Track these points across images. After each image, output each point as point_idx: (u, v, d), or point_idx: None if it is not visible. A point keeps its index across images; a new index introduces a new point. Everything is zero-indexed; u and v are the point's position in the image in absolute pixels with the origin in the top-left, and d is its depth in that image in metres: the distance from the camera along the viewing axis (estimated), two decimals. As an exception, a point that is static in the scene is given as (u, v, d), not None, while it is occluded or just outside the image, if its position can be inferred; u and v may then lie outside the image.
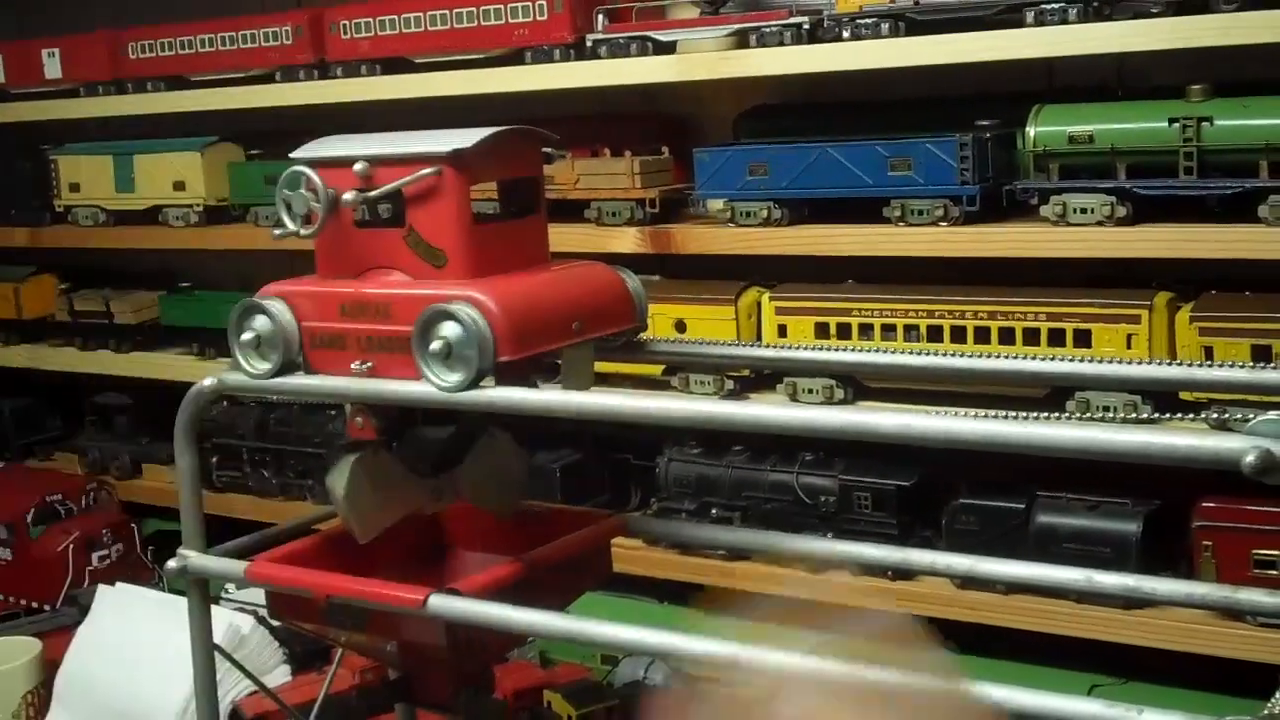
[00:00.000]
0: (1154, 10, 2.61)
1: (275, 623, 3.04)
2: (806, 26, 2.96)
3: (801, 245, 3.04)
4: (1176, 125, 2.63)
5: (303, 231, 1.89)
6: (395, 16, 3.61)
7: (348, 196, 1.85)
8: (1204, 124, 2.61)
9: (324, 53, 3.78)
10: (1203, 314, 2.63)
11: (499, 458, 2.10)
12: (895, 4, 2.85)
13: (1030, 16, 2.69)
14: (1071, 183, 2.73)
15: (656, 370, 3.20)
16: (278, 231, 1.91)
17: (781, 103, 3.36)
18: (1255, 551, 2.58)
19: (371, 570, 2.14)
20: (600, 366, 2.06)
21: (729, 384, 3.13)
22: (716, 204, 3.19)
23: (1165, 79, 2.82)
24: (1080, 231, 2.71)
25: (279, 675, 3.09)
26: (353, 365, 1.87)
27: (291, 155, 1.95)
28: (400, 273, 1.87)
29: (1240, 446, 1.29)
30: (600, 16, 3.25)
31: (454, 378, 1.76)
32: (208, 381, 2.02)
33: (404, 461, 2.02)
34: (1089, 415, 2.47)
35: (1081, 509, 2.82)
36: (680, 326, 3.16)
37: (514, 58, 3.41)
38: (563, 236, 3.39)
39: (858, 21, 2.88)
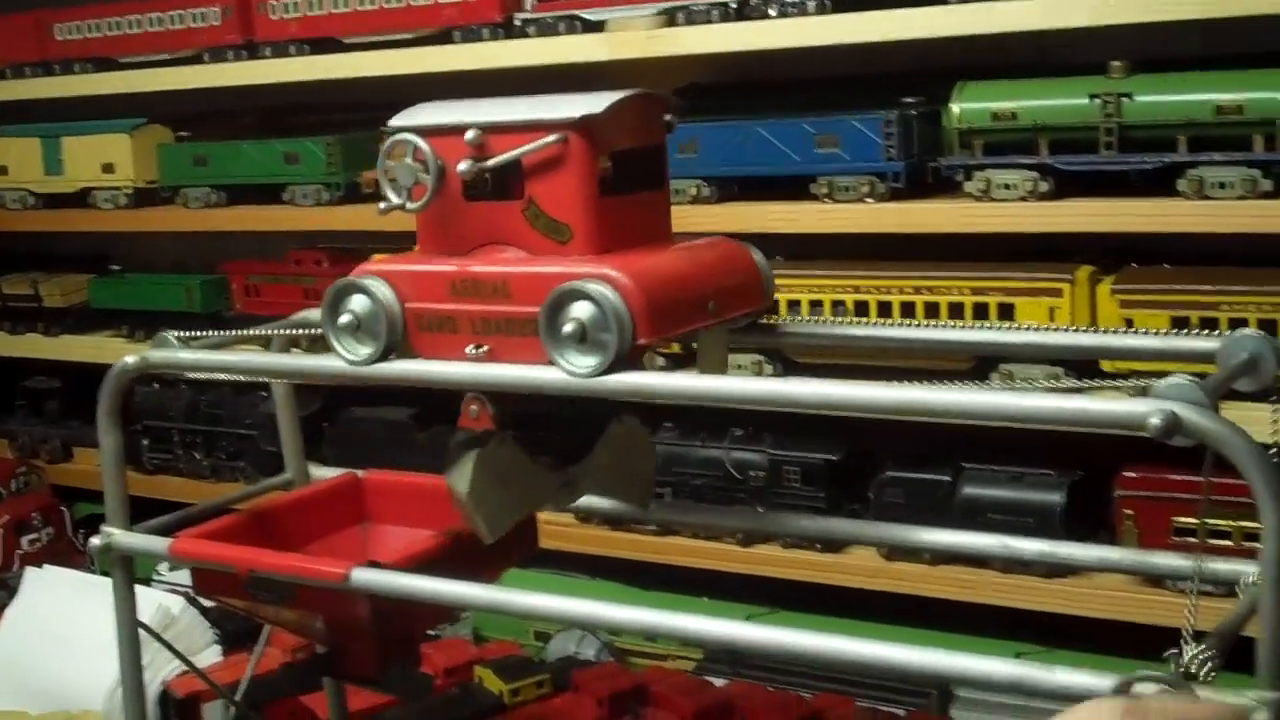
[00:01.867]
0: (1075, -13, 2.64)
1: (207, 603, 3.04)
2: (734, 5, 2.97)
3: (730, 222, 3.05)
4: (1097, 101, 2.66)
5: (409, 205, 1.73)
6: (324, -4, 3.60)
7: (463, 166, 1.69)
8: (1124, 100, 2.64)
9: (252, 33, 3.76)
10: (1123, 286, 2.67)
11: (630, 445, 1.94)
12: (821, -19, 2.87)
13: (952, -8, 2.72)
14: (995, 159, 2.76)
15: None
16: (383, 206, 1.74)
17: (712, 81, 3.37)
18: (1175, 519, 2.62)
19: (297, 546, 2.15)
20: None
21: (660, 360, 3.14)
22: (645, 181, 3.19)
23: (1089, 56, 2.85)
24: (1004, 207, 2.74)
25: (210, 655, 3.08)
26: (467, 349, 1.71)
27: (392, 123, 1.78)
28: (516, 249, 1.72)
29: (1146, 409, 1.31)
30: (529, -5, 3.26)
31: (588, 363, 1.61)
32: (130, 359, 2.00)
33: (528, 453, 1.84)
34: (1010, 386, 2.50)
35: (1006, 480, 2.86)
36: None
37: (443, 37, 3.41)
38: (493, 215, 3.40)
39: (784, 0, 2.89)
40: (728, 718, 2.67)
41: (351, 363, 1.78)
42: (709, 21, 2.99)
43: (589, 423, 1.88)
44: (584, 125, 1.66)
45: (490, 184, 1.73)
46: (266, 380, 2.36)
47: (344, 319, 1.77)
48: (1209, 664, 1.32)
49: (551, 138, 1.66)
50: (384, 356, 1.76)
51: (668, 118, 1.82)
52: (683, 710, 2.69)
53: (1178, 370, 1.48)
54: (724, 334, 1.81)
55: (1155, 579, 2.66)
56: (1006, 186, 2.73)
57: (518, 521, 1.88)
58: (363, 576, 1.82)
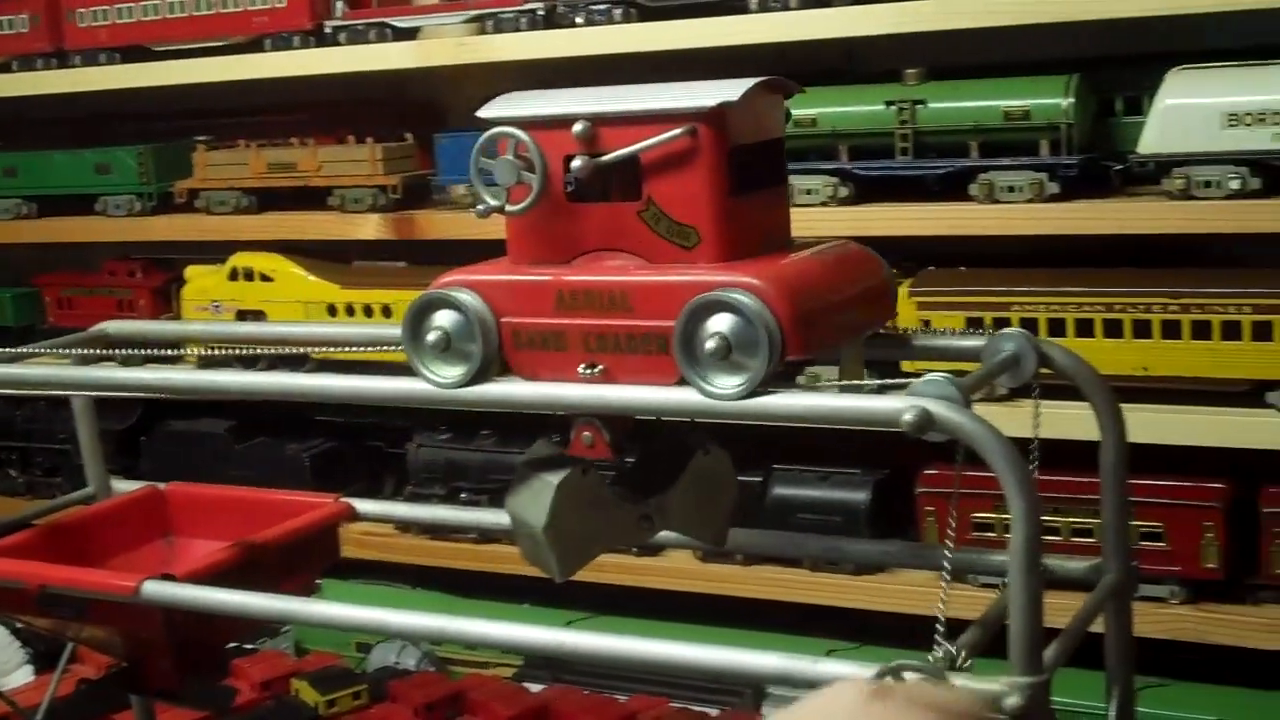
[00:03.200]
0: (876, -5, 2.72)
1: (19, 623, 2.99)
2: (542, 12, 3.00)
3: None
4: (893, 108, 2.73)
5: (509, 207, 1.53)
6: (134, 4, 3.55)
7: (577, 163, 1.50)
8: (918, 106, 2.71)
9: (62, 41, 3.70)
10: (920, 289, 2.74)
11: (713, 478, 1.76)
12: (626, -10, 2.91)
13: (754, 2, 2.76)
14: (797, 164, 2.81)
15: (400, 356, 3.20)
16: (480, 209, 1.56)
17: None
18: (974, 515, 2.69)
19: (97, 561, 2.12)
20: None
21: (475, 368, 3.15)
22: (459, 189, 3.20)
23: (892, 63, 2.92)
24: (806, 212, 2.79)
25: (22, 675, 3.03)
26: (580, 369, 1.52)
27: (482, 114, 1.59)
28: (629, 256, 1.53)
29: (900, 406, 1.35)
30: (339, 3, 3.24)
31: (732, 382, 1.44)
32: (-87, 373, 1.97)
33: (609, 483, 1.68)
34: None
35: (814, 480, 2.91)
36: (425, 312, 3.17)
37: (254, 45, 3.38)
38: (306, 223, 3.39)
39: (591, 7, 2.93)
40: (544, 721, 2.70)
41: (440, 385, 1.57)
42: (518, 29, 3.01)
43: (674, 452, 1.71)
44: (717, 116, 1.48)
45: (600, 183, 1.54)
46: (65, 395, 2.31)
47: (431, 336, 1.56)
48: (965, 652, 1.38)
49: (678, 130, 1.48)
50: (478, 378, 1.56)
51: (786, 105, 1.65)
52: (498, 716, 2.70)
53: (972, 368, 1.53)
54: (861, 346, 1.66)
55: (959, 574, 2.73)
56: (808, 192, 2.79)
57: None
58: (154, 589, 1.81)
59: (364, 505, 2.19)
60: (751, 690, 2.93)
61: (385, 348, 1.86)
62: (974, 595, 2.69)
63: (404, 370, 1.61)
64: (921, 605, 2.82)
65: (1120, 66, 2.76)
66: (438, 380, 1.57)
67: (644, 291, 1.49)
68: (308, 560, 2.13)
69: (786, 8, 2.73)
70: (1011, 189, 2.61)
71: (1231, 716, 2.61)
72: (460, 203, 3.21)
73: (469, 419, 3.27)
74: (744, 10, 2.79)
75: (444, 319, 1.56)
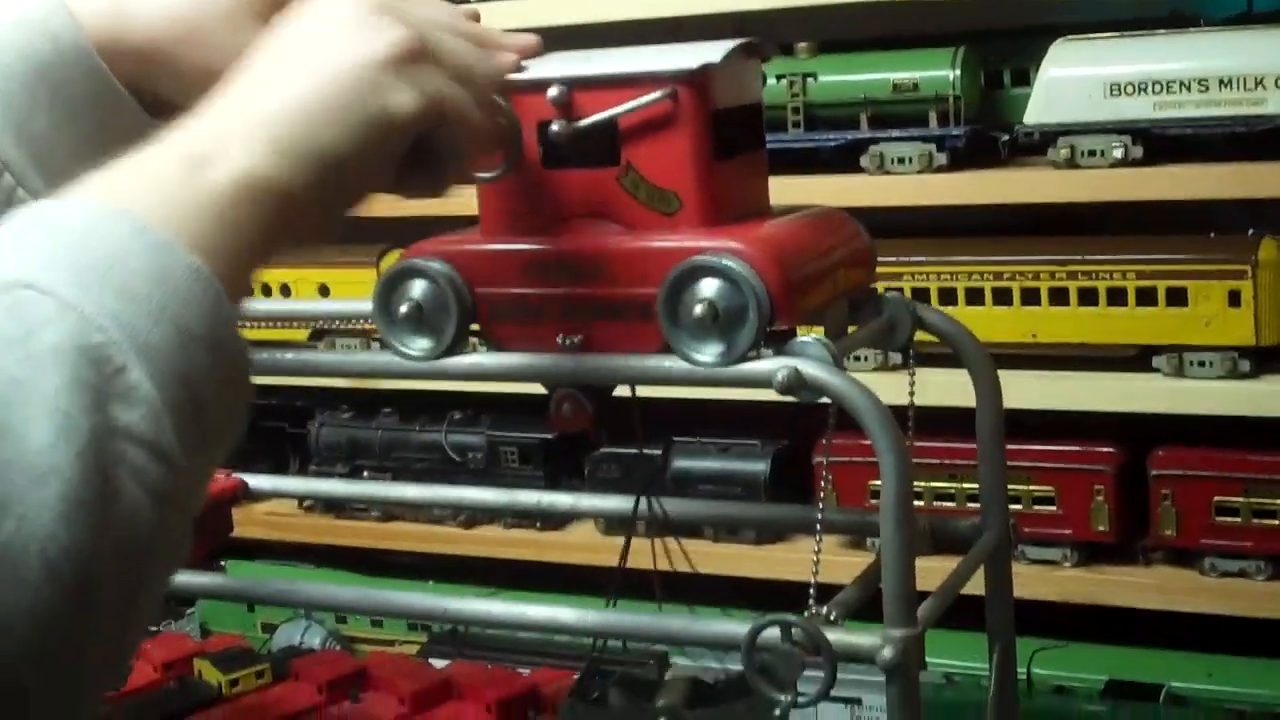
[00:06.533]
0: (765, -33, 2.74)
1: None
2: None
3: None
4: (784, 82, 2.75)
5: (482, 174, 1.46)
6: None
7: (555, 127, 1.43)
8: (809, 80, 2.74)
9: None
10: (812, 260, 2.77)
11: None
12: (520, -36, 2.92)
13: (646, -25, 2.78)
14: (691, 138, 2.83)
15: (303, 335, 3.20)
16: None
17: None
18: (870, 482, 2.73)
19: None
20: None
21: (376, 345, 3.15)
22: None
23: (784, 37, 2.94)
24: (700, 185, 2.81)
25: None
26: (558, 339, 1.47)
27: None
28: (607, 223, 1.48)
29: (773, 367, 1.36)
30: None
31: (717, 349, 1.40)
32: None
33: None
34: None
35: (714, 452, 2.94)
36: (324, 290, 3.16)
37: None
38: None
39: (484, -17, 2.92)
40: (447, 695, 2.70)
41: (412, 358, 1.50)
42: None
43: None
44: (699, 78, 1.43)
45: (577, 149, 1.48)
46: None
47: (404, 308, 1.48)
48: (838, 610, 1.41)
49: (658, 93, 1.43)
50: (453, 348, 1.50)
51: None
52: (402, 691, 2.70)
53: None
54: (845, 310, 1.61)
55: (858, 541, 2.78)
56: (702, 165, 2.81)
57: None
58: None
59: (257, 480, 2.19)
60: (655, 661, 2.95)
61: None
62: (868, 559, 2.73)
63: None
64: (825, 572, 2.84)
65: (1008, 39, 2.80)
66: (410, 353, 1.50)
67: (625, 258, 1.45)
68: (200, 536, 2.11)
69: (680, -20, 2.76)
70: (901, 160, 2.64)
71: (1123, 675, 2.66)
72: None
73: (371, 397, 3.27)
74: (637, -17, 2.81)
75: (416, 290, 1.49)
